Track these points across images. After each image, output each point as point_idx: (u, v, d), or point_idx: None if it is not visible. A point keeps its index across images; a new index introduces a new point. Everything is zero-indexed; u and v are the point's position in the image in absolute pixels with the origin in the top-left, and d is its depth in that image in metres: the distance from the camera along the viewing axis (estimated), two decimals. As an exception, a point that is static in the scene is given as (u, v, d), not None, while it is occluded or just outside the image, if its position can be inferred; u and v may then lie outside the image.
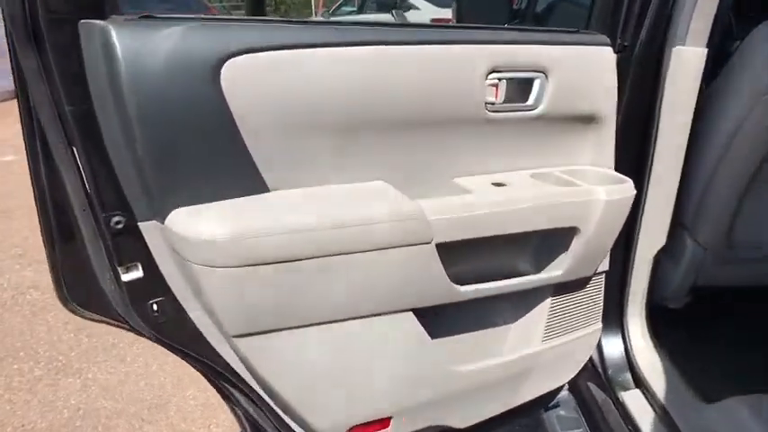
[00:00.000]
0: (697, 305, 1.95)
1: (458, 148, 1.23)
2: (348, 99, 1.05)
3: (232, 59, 0.94)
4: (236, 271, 0.95)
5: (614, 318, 1.71)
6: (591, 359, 1.70)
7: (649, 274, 1.69)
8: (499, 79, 1.20)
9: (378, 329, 1.13)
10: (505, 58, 1.19)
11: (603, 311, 1.58)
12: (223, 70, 0.94)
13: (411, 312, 1.17)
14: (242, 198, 1.01)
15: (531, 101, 1.25)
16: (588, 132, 1.38)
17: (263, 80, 0.97)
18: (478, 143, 1.25)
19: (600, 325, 1.56)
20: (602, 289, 1.54)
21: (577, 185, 1.31)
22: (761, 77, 1.48)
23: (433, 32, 1.14)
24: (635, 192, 1.35)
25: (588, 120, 1.36)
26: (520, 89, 1.26)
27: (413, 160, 1.19)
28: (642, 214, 1.60)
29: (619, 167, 1.44)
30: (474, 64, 1.16)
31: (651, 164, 1.54)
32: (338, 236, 1.02)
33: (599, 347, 1.70)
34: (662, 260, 1.69)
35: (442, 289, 1.16)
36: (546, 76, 1.25)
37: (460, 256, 1.25)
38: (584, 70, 1.30)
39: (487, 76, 1.18)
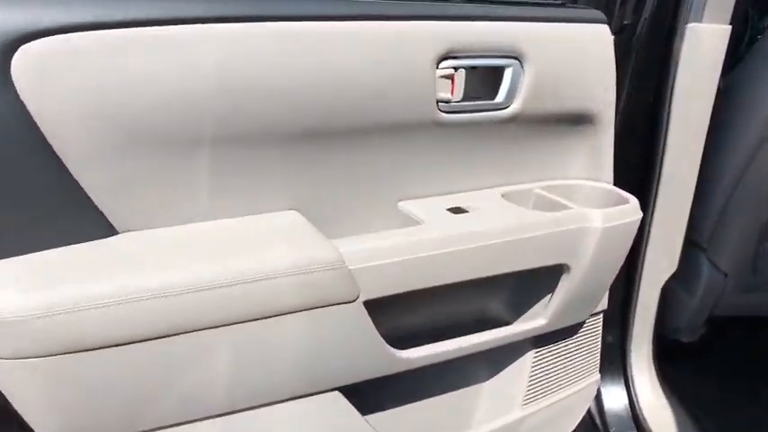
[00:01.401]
0: (712, 337, 1.64)
1: (401, 163, 0.91)
2: (227, 97, 0.73)
3: (28, 45, 0.62)
4: (43, 363, 0.63)
5: (614, 363, 1.39)
6: (589, 412, 1.38)
7: (657, 307, 1.38)
8: (455, 68, 0.87)
9: (285, 420, 0.81)
10: (464, 39, 0.87)
11: (601, 357, 1.26)
12: (14, 61, 0.62)
13: (337, 392, 0.85)
14: (60, 249, 0.68)
15: (500, 97, 0.93)
16: (579, 136, 1.06)
17: (84, 73, 0.65)
18: (429, 154, 0.93)
19: (597, 376, 1.25)
20: (600, 332, 1.22)
21: (565, 208, 0.98)
22: None
23: (358, 4, 0.82)
24: (641, 214, 1.03)
25: (579, 120, 1.04)
26: (485, 81, 0.93)
27: (336, 182, 0.87)
28: (648, 235, 1.29)
29: (618, 179, 1.12)
30: (419, 47, 0.84)
31: (660, 172, 1.22)
32: (214, 300, 0.69)
33: (598, 399, 1.38)
34: (673, 287, 1.38)
35: (377, 359, 0.84)
36: (521, 64, 0.92)
37: (405, 308, 0.94)
38: (574, 55, 0.98)
39: (439, 63, 0.86)
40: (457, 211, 0.92)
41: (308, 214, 0.85)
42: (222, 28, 0.70)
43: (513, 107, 0.94)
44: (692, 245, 1.44)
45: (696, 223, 1.34)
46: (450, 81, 0.87)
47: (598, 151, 1.08)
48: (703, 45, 1.13)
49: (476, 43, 0.88)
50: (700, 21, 1.10)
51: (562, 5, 1.02)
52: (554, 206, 1.01)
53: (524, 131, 0.99)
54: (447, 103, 0.88)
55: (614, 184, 1.11)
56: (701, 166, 1.23)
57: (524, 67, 0.93)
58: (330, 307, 0.76)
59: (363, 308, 0.79)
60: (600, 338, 1.21)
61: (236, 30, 0.71)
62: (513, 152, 1.01)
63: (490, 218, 0.90)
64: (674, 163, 1.21)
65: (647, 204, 1.26)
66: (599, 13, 1.03)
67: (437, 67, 0.86)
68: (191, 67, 0.69)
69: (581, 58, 0.99)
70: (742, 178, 1.32)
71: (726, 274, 1.45)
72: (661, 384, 1.39)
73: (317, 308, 0.75)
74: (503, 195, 1.00)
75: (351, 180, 0.88)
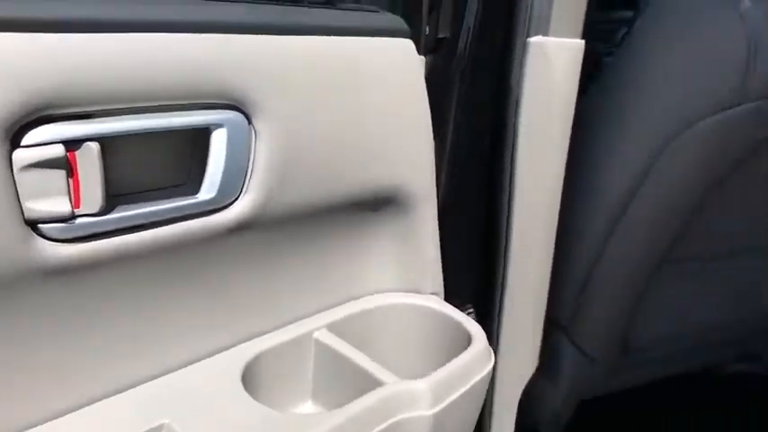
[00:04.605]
0: (579, 419, 1.32)
1: None
2: None
3: None
4: None
5: None
6: None
7: (515, 409, 1.03)
8: (71, 143, 0.37)
9: None
10: (84, 77, 0.38)
11: None
12: None
13: None
14: None
15: (207, 190, 0.45)
16: (377, 227, 0.62)
17: None
18: (36, 325, 0.42)
19: None
20: None
21: (364, 377, 0.54)
22: (687, 88, 0.81)
23: None
24: (491, 359, 0.61)
25: (375, 204, 0.60)
26: (166, 161, 0.45)
27: None
28: (499, 328, 0.92)
29: (449, 257, 0.72)
30: None
31: (507, 239, 0.85)
32: None
33: None
34: (533, 377, 1.03)
35: None
36: (248, 119, 0.46)
37: None
38: (354, 92, 0.53)
39: (19, 135, 0.36)
40: None
41: None
42: None
43: (242, 206, 0.47)
44: (551, 324, 1.10)
45: (555, 298, 1.00)
46: (64, 173, 0.37)
47: (414, 244, 0.65)
48: (552, 64, 0.76)
49: (118, 81, 0.39)
50: (546, 33, 0.73)
51: (329, 3, 0.56)
52: (346, 370, 0.55)
53: (268, 242, 0.53)
54: (63, 222, 0.38)
55: (446, 273, 0.70)
56: (558, 230, 0.88)
57: (256, 126, 0.46)
58: None
59: None
60: None
61: None
62: (247, 283, 0.54)
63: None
64: (524, 223, 0.84)
65: (493, 279, 0.89)
66: (397, 20, 0.60)
67: (14, 145, 0.35)
68: None
69: (368, 96, 0.55)
70: (607, 245, 0.99)
71: (593, 359, 1.13)
72: None
73: None
74: (246, 368, 0.52)
75: None
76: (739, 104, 0.77)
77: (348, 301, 0.64)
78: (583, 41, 0.77)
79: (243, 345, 0.55)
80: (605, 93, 0.91)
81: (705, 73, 0.77)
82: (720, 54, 0.75)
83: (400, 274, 0.65)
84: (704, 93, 0.77)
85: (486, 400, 0.95)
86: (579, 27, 0.76)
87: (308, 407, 0.59)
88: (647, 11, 0.85)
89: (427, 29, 0.71)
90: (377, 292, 0.66)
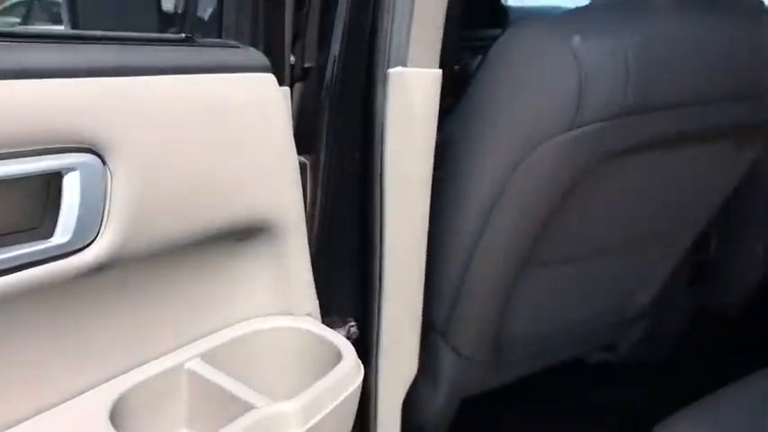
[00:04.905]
0: (462, 418, 1.40)
1: None
2: None
3: None
4: None
5: None
6: None
7: (399, 414, 1.07)
8: None
9: None
10: None
11: None
12: None
13: None
14: None
15: (62, 234, 0.45)
16: (249, 255, 0.65)
17: None
18: None
19: None
20: None
21: (236, 403, 0.55)
22: (533, 108, 0.91)
23: None
24: (361, 372, 0.65)
25: (247, 234, 0.62)
26: (16, 206, 0.45)
27: None
28: (378, 341, 0.96)
29: (323, 274, 0.75)
30: None
31: (382, 255, 0.90)
32: None
33: None
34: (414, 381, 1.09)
35: None
36: (102, 160, 0.46)
37: None
38: (213, 128, 0.55)
39: None
40: None
41: None
42: None
43: (99, 246, 0.47)
44: (428, 329, 1.17)
45: (430, 304, 1.06)
46: None
47: (286, 269, 0.68)
48: (412, 93, 0.82)
49: None
50: (404, 65, 0.78)
51: (187, 41, 0.58)
52: (220, 398, 0.57)
53: (132, 279, 0.53)
54: None
55: (322, 294, 0.73)
56: (429, 243, 0.94)
57: (111, 167, 0.47)
58: None
59: None
60: None
61: None
62: (113, 320, 0.54)
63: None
64: (397, 245, 0.89)
65: (371, 294, 0.93)
66: (257, 55, 0.62)
67: None
68: None
69: (228, 131, 0.57)
70: (474, 250, 1.07)
71: (468, 359, 1.21)
72: None
73: None
74: (115, 405, 0.52)
75: None
76: (577, 128, 0.87)
77: (223, 328, 0.65)
78: (440, 71, 0.83)
79: (111, 382, 0.54)
80: (463, 116, 0.99)
81: (544, 102, 0.87)
82: (556, 84, 0.85)
83: (274, 299, 0.68)
84: (545, 119, 0.87)
85: (369, 408, 0.99)
86: (436, 57, 0.82)
87: (181, 438, 0.60)
88: (496, 42, 0.93)
89: (293, 58, 0.74)
90: (252, 317, 0.68)
